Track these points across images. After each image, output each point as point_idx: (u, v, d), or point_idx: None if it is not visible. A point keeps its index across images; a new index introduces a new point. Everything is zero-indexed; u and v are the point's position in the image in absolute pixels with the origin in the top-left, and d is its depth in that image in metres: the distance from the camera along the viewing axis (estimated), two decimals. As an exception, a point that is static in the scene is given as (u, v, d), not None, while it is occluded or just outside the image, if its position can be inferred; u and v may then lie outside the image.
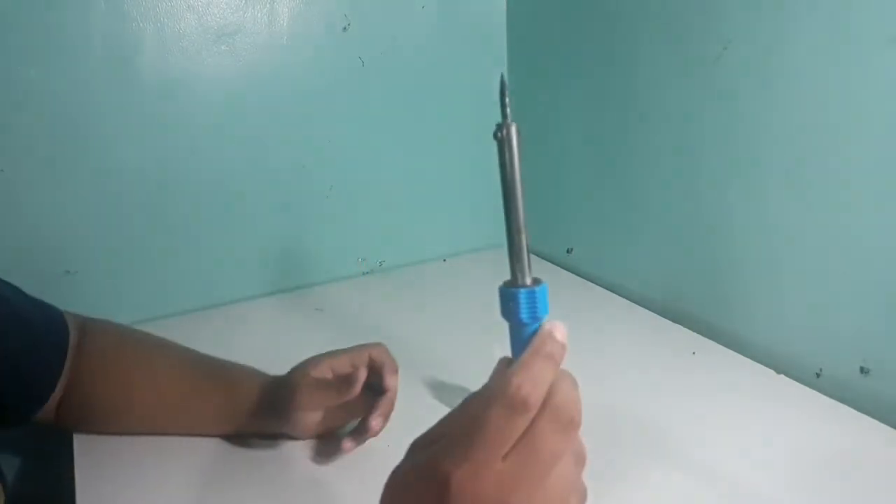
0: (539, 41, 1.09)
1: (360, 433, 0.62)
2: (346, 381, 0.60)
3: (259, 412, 0.64)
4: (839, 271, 0.71)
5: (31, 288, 0.67)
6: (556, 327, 0.34)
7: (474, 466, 0.30)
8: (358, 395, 0.60)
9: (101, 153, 0.89)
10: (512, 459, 0.31)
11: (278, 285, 1.05)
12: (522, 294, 0.34)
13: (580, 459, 0.34)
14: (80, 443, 0.67)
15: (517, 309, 0.34)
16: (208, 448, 0.67)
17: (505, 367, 0.34)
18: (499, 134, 0.34)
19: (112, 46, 0.87)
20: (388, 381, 0.62)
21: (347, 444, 0.62)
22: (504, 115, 0.35)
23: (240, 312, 0.99)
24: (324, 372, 0.62)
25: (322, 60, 1.00)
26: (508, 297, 0.34)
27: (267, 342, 0.90)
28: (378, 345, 0.64)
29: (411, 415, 0.62)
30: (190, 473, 0.63)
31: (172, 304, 0.98)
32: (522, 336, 0.35)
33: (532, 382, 0.32)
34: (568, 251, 1.11)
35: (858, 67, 0.66)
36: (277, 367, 0.68)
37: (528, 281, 0.35)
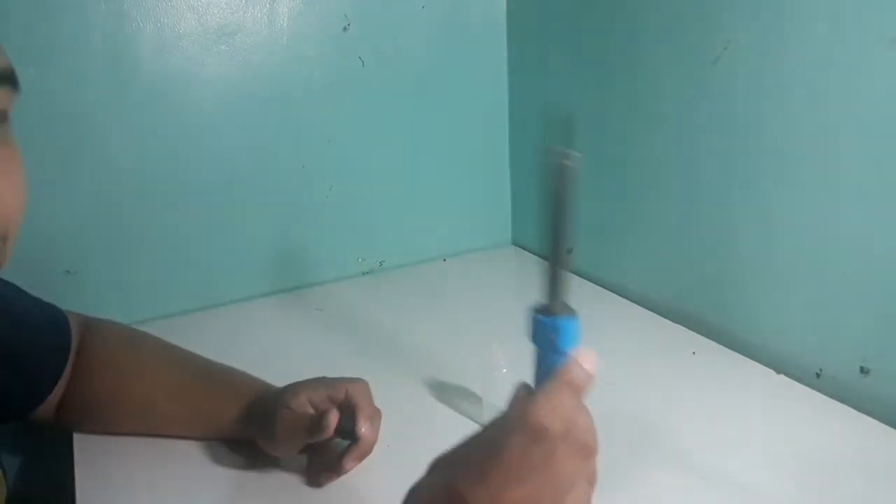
0: (539, 41, 1.09)
1: (336, 470, 0.60)
2: (318, 422, 0.58)
3: (246, 424, 0.64)
4: (839, 271, 0.71)
5: (31, 288, 0.67)
6: (587, 357, 0.33)
7: (492, 491, 0.30)
8: (331, 435, 0.58)
9: (100, 153, 0.89)
10: (530, 484, 0.31)
11: (278, 285, 1.05)
12: (565, 324, 0.33)
13: (592, 482, 0.35)
14: (80, 443, 0.67)
15: (556, 339, 0.33)
16: (208, 449, 0.67)
17: (524, 394, 0.34)
18: (561, 162, 0.32)
19: (112, 46, 0.87)
20: (359, 427, 0.58)
21: (324, 478, 0.60)
22: (566, 151, 0.32)
23: (240, 312, 0.99)
24: (302, 405, 0.60)
25: (322, 60, 1.00)
26: (547, 326, 0.33)
27: (267, 342, 0.90)
28: (358, 382, 0.61)
29: (411, 415, 0.62)
30: (190, 474, 0.63)
31: (172, 305, 0.98)
32: (550, 363, 0.34)
33: (554, 413, 0.31)
34: (568, 251, 1.10)
35: (859, 69, 0.66)
36: (278, 367, 0.68)
37: (564, 310, 0.34)
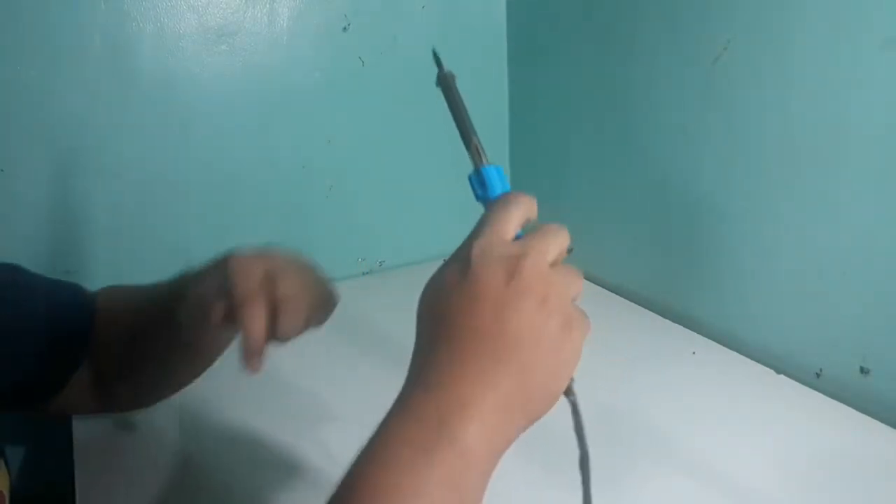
0: (539, 41, 1.09)
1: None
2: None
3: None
4: (839, 271, 0.71)
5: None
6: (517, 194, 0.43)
7: (487, 237, 0.39)
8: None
9: (100, 153, 0.89)
10: (517, 240, 0.40)
11: (278, 285, 1.05)
12: (487, 171, 0.45)
13: (572, 281, 0.40)
14: (80, 442, 0.67)
15: (486, 186, 0.45)
16: (208, 448, 0.67)
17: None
18: (441, 82, 0.48)
19: (112, 46, 0.87)
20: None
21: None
22: (442, 69, 0.48)
23: (240, 312, 0.99)
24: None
25: (322, 60, 1.00)
26: (476, 180, 0.45)
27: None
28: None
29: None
30: (190, 473, 0.64)
31: (172, 304, 0.98)
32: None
33: (518, 193, 0.42)
34: (568, 251, 1.10)
35: (859, 68, 0.66)
36: (277, 367, 0.67)
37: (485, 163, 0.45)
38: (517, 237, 0.40)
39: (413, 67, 1.07)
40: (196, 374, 0.65)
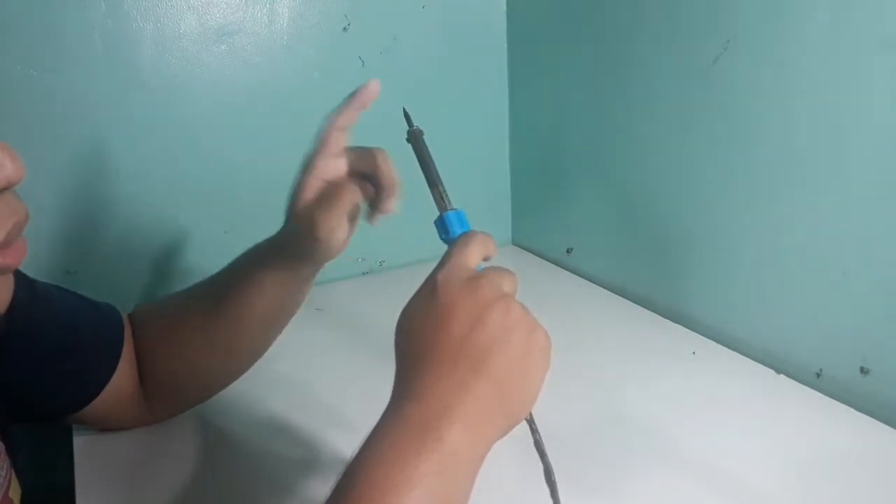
0: (539, 41, 1.09)
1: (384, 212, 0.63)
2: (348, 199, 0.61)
3: (297, 260, 0.65)
4: (839, 271, 0.71)
5: (31, 288, 0.67)
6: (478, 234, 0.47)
7: (450, 267, 0.44)
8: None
9: (100, 153, 0.89)
10: (479, 272, 0.44)
11: (278, 285, 1.05)
12: (450, 216, 0.52)
13: (520, 312, 0.42)
14: (80, 443, 0.68)
15: (449, 229, 0.51)
16: (209, 448, 0.67)
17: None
18: (411, 137, 0.56)
19: (112, 46, 0.87)
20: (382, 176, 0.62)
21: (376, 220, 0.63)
22: (411, 125, 0.57)
23: (240, 312, 0.99)
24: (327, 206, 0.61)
25: (322, 60, 1.00)
26: (441, 224, 0.52)
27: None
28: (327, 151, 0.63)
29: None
30: (190, 474, 0.64)
31: (172, 304, 0.98)
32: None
33: (478, 231, 0.48)
34: (568, 251, 1.11)
35: (859, 68, 0.66)
36: (277, 367, 0.68)
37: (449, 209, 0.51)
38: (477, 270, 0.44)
39: (413, 67, 1.07)
40: (247, 364, 0.68)
